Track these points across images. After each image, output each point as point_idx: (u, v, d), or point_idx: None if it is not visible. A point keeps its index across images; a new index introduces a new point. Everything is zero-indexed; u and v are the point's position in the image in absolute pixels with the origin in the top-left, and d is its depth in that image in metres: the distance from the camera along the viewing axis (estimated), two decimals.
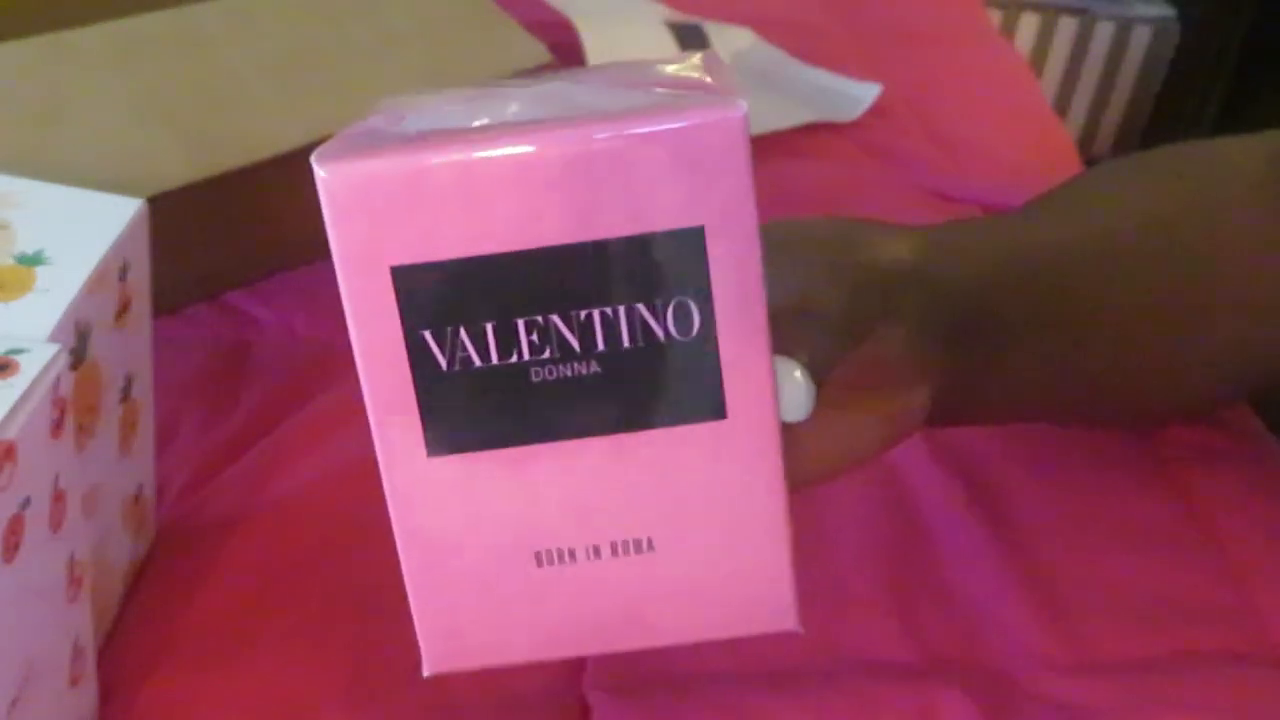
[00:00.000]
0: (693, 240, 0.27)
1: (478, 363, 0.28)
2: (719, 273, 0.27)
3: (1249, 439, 0.60)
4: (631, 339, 0.28)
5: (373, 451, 0.59)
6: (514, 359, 0.28)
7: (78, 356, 0.38)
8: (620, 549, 0.29)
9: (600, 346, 0.28)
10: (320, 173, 0.27)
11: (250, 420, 0.55)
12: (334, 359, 0.59)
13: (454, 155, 0.27)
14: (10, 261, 0.38)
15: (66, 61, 0.52)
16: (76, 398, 0.38)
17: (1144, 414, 0.49)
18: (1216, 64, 1.80)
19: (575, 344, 0.28)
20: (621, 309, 0.28)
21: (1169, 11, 1.79)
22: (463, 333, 0.28)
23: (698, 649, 0.47)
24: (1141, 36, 1.80)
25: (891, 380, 0.39)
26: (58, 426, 0.35)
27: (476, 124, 0.28)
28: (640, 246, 0.27)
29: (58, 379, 0.34)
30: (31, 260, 0.38)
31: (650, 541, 0.29)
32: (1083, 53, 1.83)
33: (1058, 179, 0.58)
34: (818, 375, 0.34)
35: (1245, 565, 0.53)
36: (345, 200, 0.27)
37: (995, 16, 1.75)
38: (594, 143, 0.27)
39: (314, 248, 0.65)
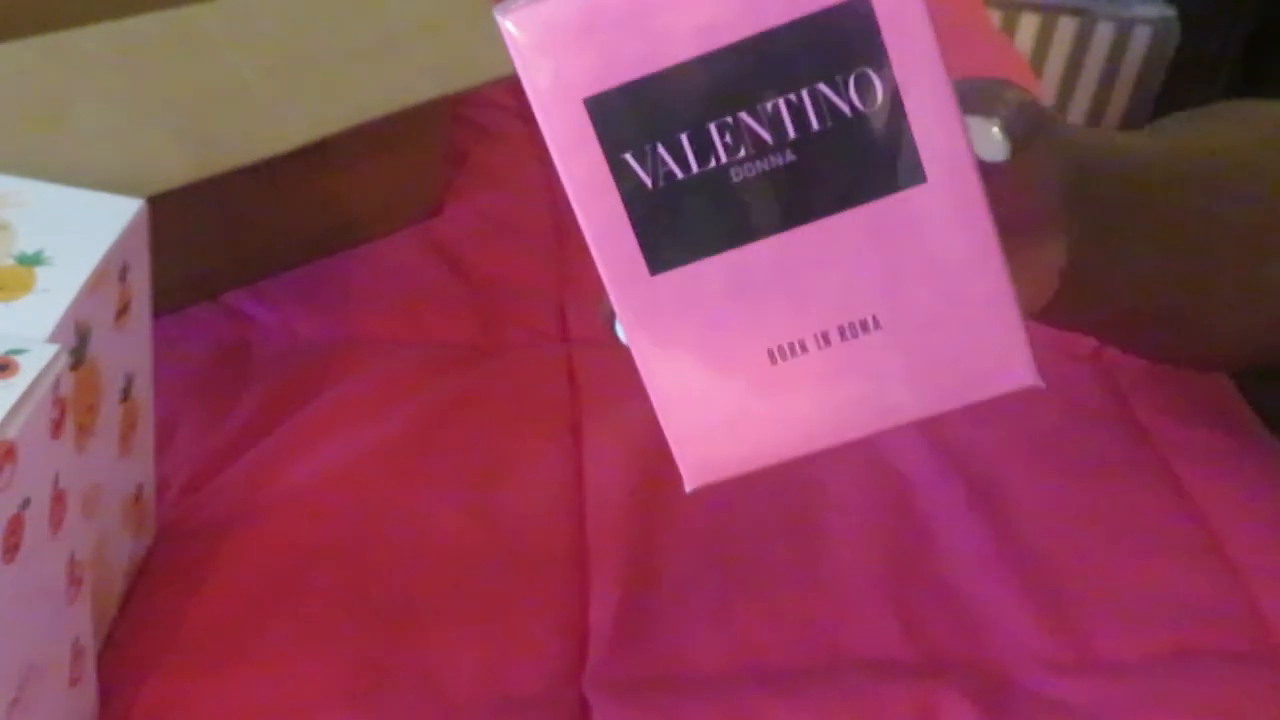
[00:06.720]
0: (860, 9, 0.28)
1: (679, 174, 0.29)
2: (892, 37, 0.28)
3: (1249, 439, 0.60)
4: (820, 120, 0.29)
5: (372, 451, 0.59)
6: (712, 164, 0.29)
7: (78, 356, 0.38)
8: (848, 332, 0.30)
9: (791, 134, 0.29)
10: (506, 23, 0.28)
11: (250, 420, 0.55)
12: (334, 359, 0.59)
13: None
14: (10, 261, 0.38)
15: (66, 61, 0.51)
16: (76, 398, 0.38)
17: (1219, 341, 0.48)
18: (1216, 64, 1.80)
19: (767, 137, 0.29)
20: (804, 92, 0.29)
21: (1169, 11, 1.79)
22: (660, 148, 0.29)
23: (697, 649, 0.48)
24: (1141, 36, 1.80)
25: (1036, 219, 0.39)
26: (58, 426, 0.35)
27: None
28: (810, 27, 0.28)
29: (58, 379, 0.34)
30: (31, 260, 0.38)
31: (875, 320, 0.30)
32: (1083, 53, 1.83)
33: None
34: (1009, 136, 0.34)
35: (1245, 565, 0.53)
36: (532, 44, 0.29)
37: (995, 16, 1.75)
38: None
39: (314, 248, 0.65)
